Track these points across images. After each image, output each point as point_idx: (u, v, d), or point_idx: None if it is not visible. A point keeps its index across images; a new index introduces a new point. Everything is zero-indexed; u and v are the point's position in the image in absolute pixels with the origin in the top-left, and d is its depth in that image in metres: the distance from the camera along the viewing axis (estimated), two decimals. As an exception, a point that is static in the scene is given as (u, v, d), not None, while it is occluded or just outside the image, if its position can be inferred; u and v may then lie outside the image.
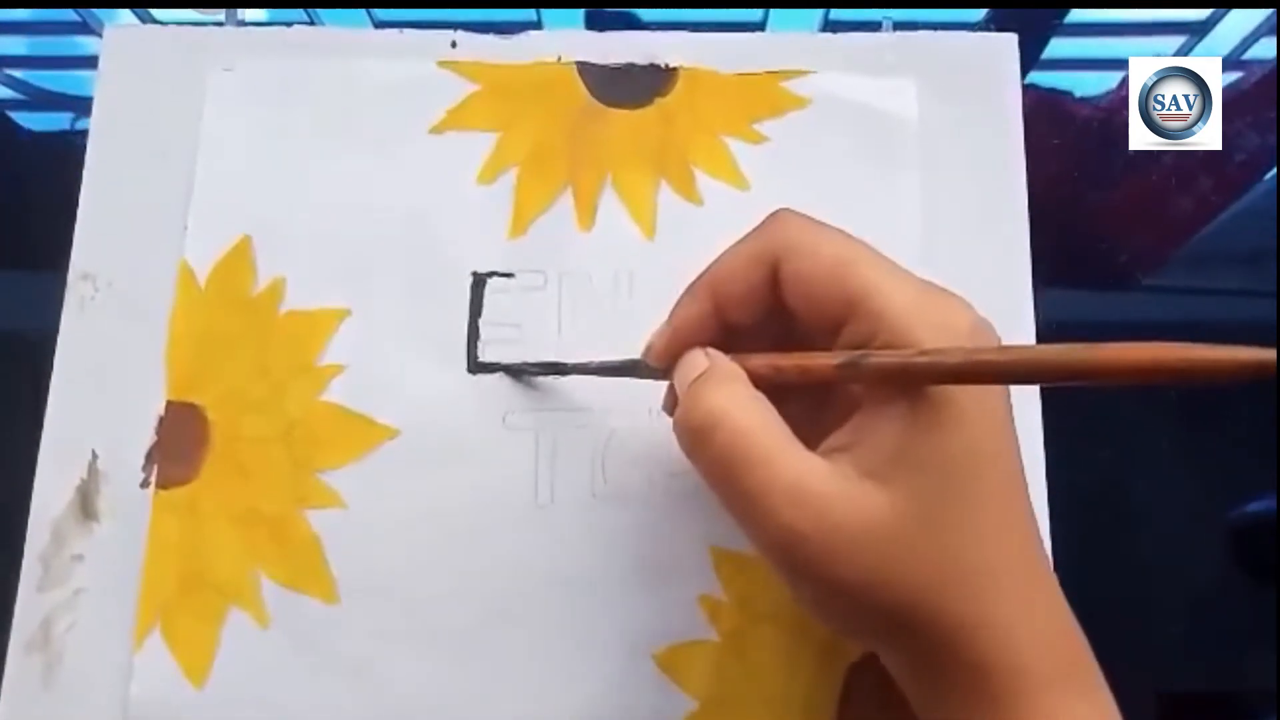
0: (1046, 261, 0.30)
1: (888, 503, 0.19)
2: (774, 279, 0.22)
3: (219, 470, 0.28)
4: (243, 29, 0.32)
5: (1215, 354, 0.16)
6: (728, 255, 0.23)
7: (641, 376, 0.25)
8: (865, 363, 0.19)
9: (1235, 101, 0.32)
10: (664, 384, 0.25)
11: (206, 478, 0.27)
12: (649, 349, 0.24)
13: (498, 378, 0.28)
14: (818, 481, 0.19)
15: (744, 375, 0.21)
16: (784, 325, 0.22)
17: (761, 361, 0.22)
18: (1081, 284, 0.33)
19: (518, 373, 0.28)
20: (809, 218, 0.22)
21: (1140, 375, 0.16)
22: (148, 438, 0.28)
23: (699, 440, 0.21)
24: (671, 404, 0.24)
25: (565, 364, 0.27)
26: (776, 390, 0.21)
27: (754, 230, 0.23)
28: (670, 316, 0.24)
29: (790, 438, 0.20)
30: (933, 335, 0.19)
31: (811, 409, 0.21)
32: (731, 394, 0.21)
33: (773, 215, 0.23)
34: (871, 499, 0.19)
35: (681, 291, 0.23)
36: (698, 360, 0.22)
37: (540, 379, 0.28)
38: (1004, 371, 0.19)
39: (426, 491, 0.27)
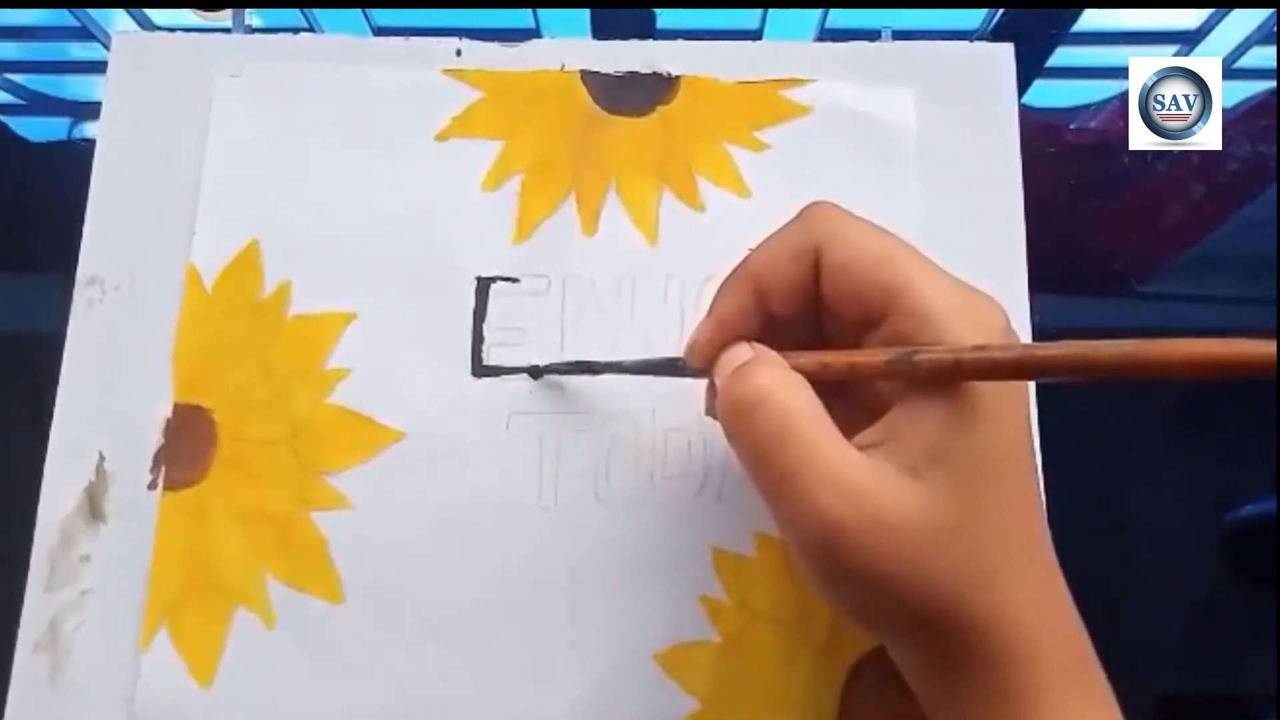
0: (1042, 268, 0.30)
1: (926, 498, 0.19)
2: (816, 270, 0.22)
3: (225, 472, 0.28)
4: (250, 35, 0.32)
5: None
6: (767, 247, 0.22)
7: (681, 375, 0.24)
8: (917, 358, 0.19)
9: (1230, 110, 0.32)
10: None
11: (213, 479, 0.28)
12: (691, 347, 0.23)
13: (501, 381, 0.28)
14: (858, 472, 0.19)
15: (787, 365, 0.21)
16: (814, 321, 0.22)
17: (808, 359, 0.21)
18: (1076, 291, 0.33)
19: (542, 374, 0.28)
20: (846, 211, 0.22)
21: (1198, 370, 0.16)
22: (155, 440, 0.28)
23: (743, 415, 0.21)
24: (713, 404, 0.24)
25: (596, 363, 0.27)
26: (814, 388, 0.21)
27: (793, 222, 0.22)
28: (711, 311, 0.23)
29: (832, 426, 0.20)
30: (972, 333, 0.19)
31: (834, 408, 0.21)
32: (778, 375, 0.21)
33: (810, 208, 0.22)
34: (910, 494, 0.19)
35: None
36: (742, 351, 0.22)
37: (545, 382, 0.28)
38: (1063, 366, 0.18)
39: (431, 493, 0.28)
